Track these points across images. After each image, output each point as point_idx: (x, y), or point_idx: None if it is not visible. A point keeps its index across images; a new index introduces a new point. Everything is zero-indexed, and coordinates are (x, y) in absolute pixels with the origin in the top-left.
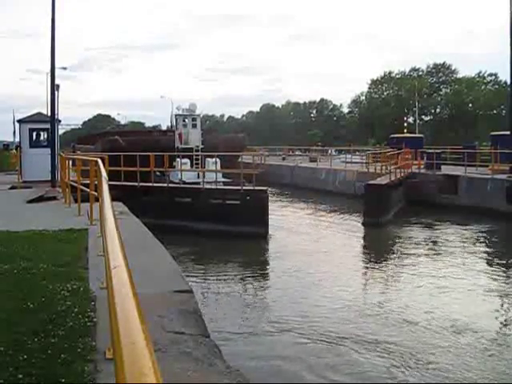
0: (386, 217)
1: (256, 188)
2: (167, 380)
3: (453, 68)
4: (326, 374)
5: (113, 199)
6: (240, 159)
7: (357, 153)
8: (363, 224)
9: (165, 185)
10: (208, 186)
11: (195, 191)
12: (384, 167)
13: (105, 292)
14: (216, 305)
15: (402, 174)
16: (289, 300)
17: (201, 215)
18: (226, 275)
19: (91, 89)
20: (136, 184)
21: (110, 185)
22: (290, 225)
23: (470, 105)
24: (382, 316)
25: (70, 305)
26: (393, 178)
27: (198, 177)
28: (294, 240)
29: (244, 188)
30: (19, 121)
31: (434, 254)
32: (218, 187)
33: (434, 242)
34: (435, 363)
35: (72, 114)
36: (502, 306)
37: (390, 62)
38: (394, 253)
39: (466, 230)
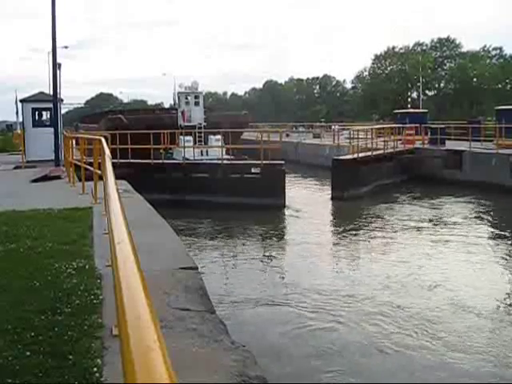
0: (356, 191)
1: (274, 162)
2: (173, 356)
3: (457, 42)
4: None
5: (124, 177)
6: (264, 138)
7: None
8: (331, 198)
9: (180, 161)
10: (226, 162)
11: (213, 166)
12: (365, 142)
13: (110, 270)
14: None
15: (393, 149)
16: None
17: (219, 189)
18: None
19: (93, 67)
20: (149, 161)
21: (121, 163)
22: (301, 198)
23: (475, 79)
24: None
25: (76, 283)
26: (369, 153)
27: (202, 154)
28: (307, 211)
29: (263, 162)
30: (22, 100)
31: (424, 226)
32: (237, 162)
33: (411, 216)
34: (437, 332)
35: (74, 93)
36: (502, 279)
37: (394, 37)
38: (347, 227)
39: (464, 204)
